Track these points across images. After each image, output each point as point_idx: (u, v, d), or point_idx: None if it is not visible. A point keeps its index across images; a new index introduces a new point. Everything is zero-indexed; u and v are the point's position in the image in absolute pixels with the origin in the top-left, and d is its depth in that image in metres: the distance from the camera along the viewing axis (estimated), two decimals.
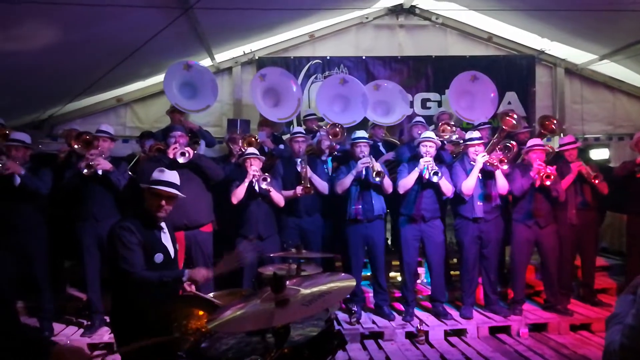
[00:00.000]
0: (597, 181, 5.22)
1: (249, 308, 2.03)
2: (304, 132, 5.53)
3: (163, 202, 3.06)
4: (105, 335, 4.68)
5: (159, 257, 3.03)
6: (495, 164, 4.95)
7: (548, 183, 4.91)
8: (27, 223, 4.65)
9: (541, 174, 4.89)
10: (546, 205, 5.14)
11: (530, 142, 5.26)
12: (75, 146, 5.11)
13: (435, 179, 4.86)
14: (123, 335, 2.96)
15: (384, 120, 6.23)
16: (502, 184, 5.04)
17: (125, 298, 2.93)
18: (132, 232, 2.93)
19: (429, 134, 5.15)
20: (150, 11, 4.41)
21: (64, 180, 4.75)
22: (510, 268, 5.46)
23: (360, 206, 5.07)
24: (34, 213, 4.69)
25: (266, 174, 4.81)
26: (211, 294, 3.14)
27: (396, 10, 7.10)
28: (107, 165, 4.72)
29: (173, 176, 3.15)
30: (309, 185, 5.03)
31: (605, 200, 5.48)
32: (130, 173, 5.03)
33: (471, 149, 5.09)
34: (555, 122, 6.01)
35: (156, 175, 3.12)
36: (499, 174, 5.01)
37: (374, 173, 4.87)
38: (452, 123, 5.87)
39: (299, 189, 5.03)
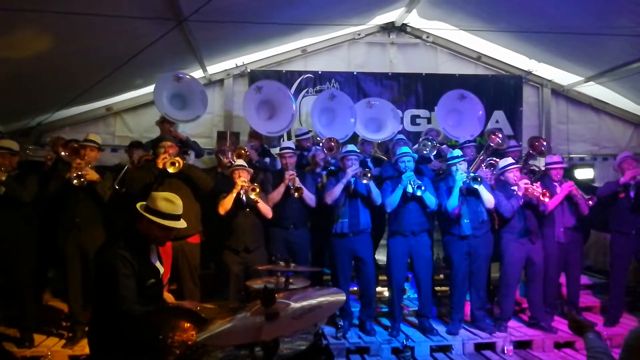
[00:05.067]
0: (591, 202, 5.28)
1: (238, 321, 2.01)
2: (293, 146, 5.53)
3: (170, 236, 2.95)
4: (87, 346, 4.58)
5: (150, 281, 2.94)
6: (469, 182, 4.96)
7: (547, 200, 5.00)
8: (13, 231, 4.59)
9: (535, 194, 4.97)
10: (535, 221, 5.21)
11: (504, 162, 5.31)
12: (62, 153, 5.08)
13: (419, 192, 4.91)
14: (101, 348, 2.86)
15: (376, 137, 6.25)
16: (487, 199, 5.06)
17: (108, 316, 2.80)
18: (126, 262, 2.76)
19: (405, 149, 5.21)
20: (145, 22, 4.42)
21: (48, 188, 4.68)
22: (500, 285, 5.42)
23: (347, 220, 5.07)
24: (19, 221, 4.63)
25: (254, 184, 4.81)
26: (197, 307, 3.10)
27: (388, 28, 7.20)
28: (95, 176, 4.68)
29: (180, 207, 2.96)
30: (298, 186, 4.98)
31: (589, 219, 5.55)
32: (116, 186, 4.92)
33: (453, 168, 5.13)
34: (544, 143, 6.11)
35: (165, 206, 2.88)
36: (482, 189, 5.03)
37: (362, 175, 4.88)
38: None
39: (287, 176, 4.98)
